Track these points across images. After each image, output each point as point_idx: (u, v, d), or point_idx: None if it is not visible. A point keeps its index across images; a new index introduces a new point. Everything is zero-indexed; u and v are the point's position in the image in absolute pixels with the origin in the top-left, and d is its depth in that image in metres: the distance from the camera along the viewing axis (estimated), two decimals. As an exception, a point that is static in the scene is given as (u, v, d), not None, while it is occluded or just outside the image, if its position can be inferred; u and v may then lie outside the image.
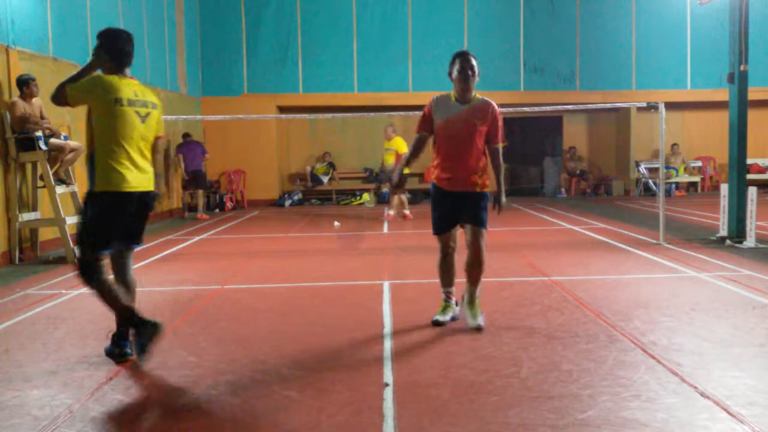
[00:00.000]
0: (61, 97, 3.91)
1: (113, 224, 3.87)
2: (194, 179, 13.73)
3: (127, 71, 4.01)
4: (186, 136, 13.89)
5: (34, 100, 7.99)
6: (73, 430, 3.04)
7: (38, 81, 8.05)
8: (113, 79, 3.90)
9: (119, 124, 3.83)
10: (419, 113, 4.98)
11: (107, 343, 4.06)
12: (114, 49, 3.98)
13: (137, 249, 4.21)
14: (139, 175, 3.90)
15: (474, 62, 4.72)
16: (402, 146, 11.79)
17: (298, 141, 17.37)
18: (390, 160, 11.96)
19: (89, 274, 3.83)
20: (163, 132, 4.17)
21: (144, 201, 3.96)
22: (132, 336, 3.87)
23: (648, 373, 3.57)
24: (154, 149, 4.09)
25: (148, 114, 3.95)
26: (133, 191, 3.86)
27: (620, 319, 4.69)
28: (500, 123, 4.69)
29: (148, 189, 3.98)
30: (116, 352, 3.97)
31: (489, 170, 4.60)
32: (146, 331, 3.81)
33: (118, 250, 4.00)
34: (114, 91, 3.84)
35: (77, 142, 8.66)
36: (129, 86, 3.93)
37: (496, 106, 4.66)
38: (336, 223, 11.64)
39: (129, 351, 3.94)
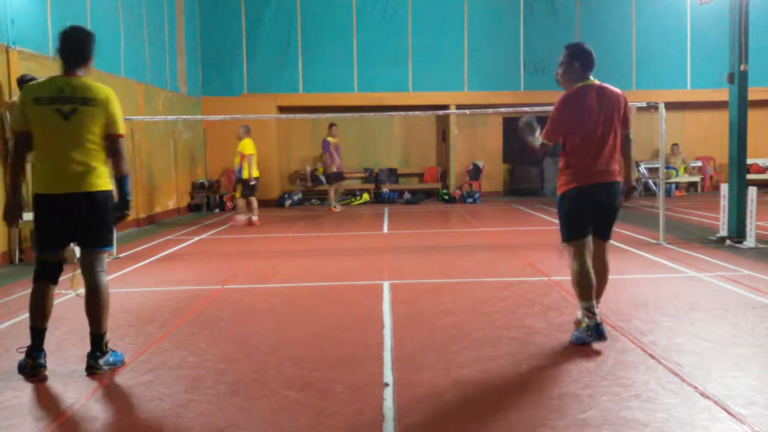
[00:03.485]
0: (13, 139, 3.84)
1: (45, 225, 3.79)
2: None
3: (78, 71, 3.83)
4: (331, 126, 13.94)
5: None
6: (73, 430, 3.04)
7: (38, 81, 8.04)
8: (39, 81, 3.88)
9: (37, 124, 3.72)
10: (419, 113, 4.92)
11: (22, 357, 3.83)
12: (59, 50, 3.89)
13: (102, 251, 3.90)
14: (67, 176, 3.69)
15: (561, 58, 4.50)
16: (249, 148, 11.51)
17: (298, 141, 17.37)
18: (238, 162, 11.59)
19: (35, 272, 3.86)
20: (119, 130, 3.86)
21: (83, 202, 3.74)
22: (25, 352, 3.80)
23: (648, 373, 3.57)
24: (109, 150, 3.84)
25: (73, 110, 3.69)
26: (59, 193, 3.70)
27: (620, 319, 4.69)
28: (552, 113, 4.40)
29: (85, 190, 3.72)
30: (29, 363, 3.75)
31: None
32: (31, 362, 3.72)
33: (82, 251, 3.87)
34: (34, 92, 3.77)
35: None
36: (51, 83, 3.78)
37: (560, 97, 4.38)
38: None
39: (42, 362, 3.78)
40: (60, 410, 3.26)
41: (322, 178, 16.71)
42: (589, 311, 4.08)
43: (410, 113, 12.75)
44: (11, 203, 3.85)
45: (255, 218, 11.70)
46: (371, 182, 17.18)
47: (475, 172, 17.23)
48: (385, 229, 10.86)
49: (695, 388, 3.35)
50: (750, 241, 8.00)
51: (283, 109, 16.44)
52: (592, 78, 4.35)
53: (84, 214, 3.76)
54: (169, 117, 12.56)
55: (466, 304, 5.30)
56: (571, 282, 4.24)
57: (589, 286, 4.12)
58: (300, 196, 16.35)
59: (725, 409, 3.07)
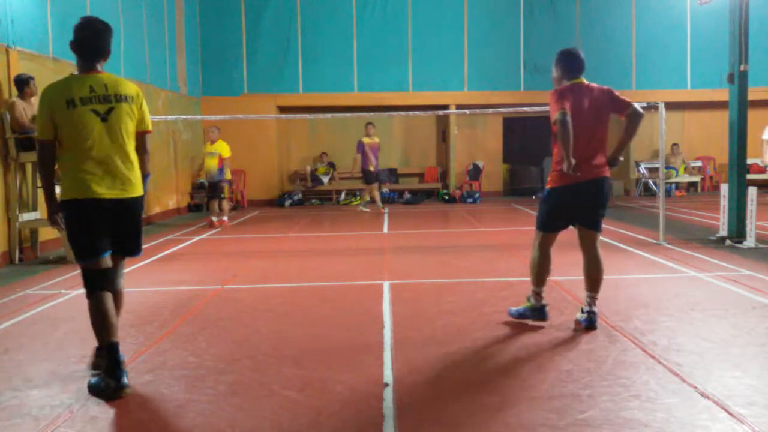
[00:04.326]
0: (40, 147, 3.52)
1: (91, 231, 3.50)
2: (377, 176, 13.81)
3: (99, 66, 3.57)
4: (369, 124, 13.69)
5: (32, 99, 7.99)
6: (73, 430, 3.04)
7: (38, 81, 8.05)
8: (61, 81, 3.53)
9: (71, 129, 3.44)
10: (419, 113, 5.01)
11: (91, 377, 3.58)
12: (77, 44, 3.55)
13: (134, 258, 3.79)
14: (111, 181, 3.49)
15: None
16: (226, 150, 11.58)
17: (298, 141, 17.37)
18: (212, 164, 11.55)
19: (86, 284, 3.57)
20: (149, 126, 3.72)
21: (130, 208, 3.57)
22: (97, 365, 3.58)
23: (648, 373, 3.57)
24: (139, 148, 3.69)
25: (110, 110, 3.48)
26: (106, 198, 3.47)
27: (620, 319, 4.69)
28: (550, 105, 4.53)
29: (131, 195, 3.56)
30: (111, 385, 3.42)
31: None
32: (112, 385, 3.41)
33: (118, 258, 3.67)
34: (62, 95, 3.44)
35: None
36: (79, 82, 3.48)
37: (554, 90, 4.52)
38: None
39: (126, 381, 3.46)
40: (60, 410, 3.26)
41: (323, 179, 16.72)
42: (539, 295, 4.61)
43: (410, 113, 12.75)
44: (54, 209, 3.62)
45: (225, 218, 11.85)
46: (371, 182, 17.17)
47: (475, 172, 17.23)
48: (385, 229, 10.86)
49: (695, 388, 3.35)
50: (750, 241, 8.00)
51: (283, 109, 16.44)
52: (581, 78, 4.55)
53: (127, 220, 3.59)
54: (169, 117, 12.53)
55: (466, 304, 5.30)
56: (529, 266, 4.66)
57: (544, 274, 4.62)
58: (300, 196, 16.35)
59: (725, 409, 3.07)
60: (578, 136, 4.32)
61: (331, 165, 16.89)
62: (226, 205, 12.03)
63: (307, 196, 16.76)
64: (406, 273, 6.77)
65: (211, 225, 11.55)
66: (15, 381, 3.71)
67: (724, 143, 9.05)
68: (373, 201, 14.12)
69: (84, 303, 3.78)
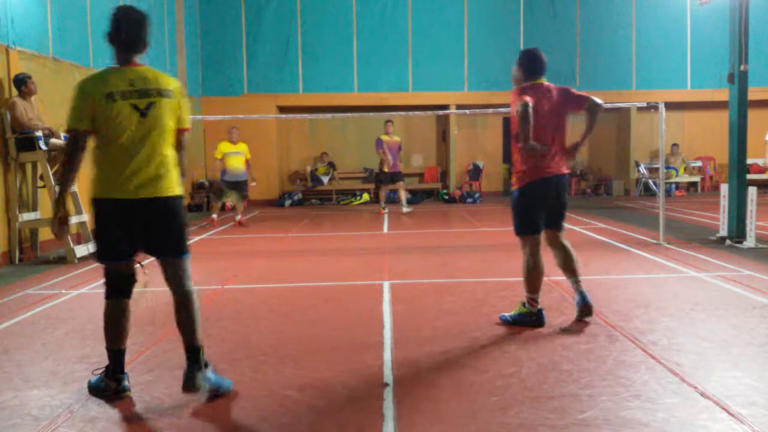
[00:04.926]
0: (70, 138, 3.35)
1: (115, 233, 3.35)
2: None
3: (137, 58, 3.40)
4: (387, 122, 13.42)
5: (32, 98, 8.00)
6: (73, 430, 3.04)
7: (38, 81, 8.05)
8: (98, 73, 3.36)
9: (109, 123, 3.27)
10: (419, 113, 5.06)
11: (92, 377, 3.54)
12: (113, 35, 3.37)
13: (186, 258, 3.48)
14: (146, 180, 3.30)
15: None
16: (247, 150, 11.72)
17: (298, 141, 17.37)
18: (238, 163, 11.58)
19: (105, 286, 3.47)
20: (187, 124, 3.50)
21: (163, 207, 3.36)
22: (105, 373, 3.47)
23: (648, 373, 3.57)
24: (177, 146, 3.47)
25: (150, 104, 3.29)
26: (134, 198, 3.29)
27: (620, 319, 4.69)
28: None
29: (165, 195, 3.34)
30: (112, 386, 3.42)
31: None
32: (113, 387, 3.41)
33: (162, 262, 3.45)
34: (101, 87, 3.28)
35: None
36: (119, 75, 3.32)
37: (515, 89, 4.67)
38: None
39: (127, 384, 3.46)
40: (60, 410, 3.26)
41: (323, 179, 16.72)
42: (534, 301, 4.62)
43: (410, 113, 12.76)
44: (64, 212, 3.41)
45: (215, 216, 11.96)
46: (371, 182, 17.17)
47: (475, 172, 17.24)
48: (385, 229, 10.86)
49: (695, 388, 3.35)
50: (750, 241, 7.99)
51: (283, 109, 16.44)
52: (542, 79, 4.67)
53: (163, 220, 3.36)
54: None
55: (465, 304, 5.30)
56: (523, 273, 4.68)
57: (537, 280, 4.62)
58: (300, 196, 16.36)
59: (725, 409, 3.07)
60: (540, 135, 4.45)
61: (331, 165, 16.89)
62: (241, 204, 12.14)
63: (307, 196, 16.76)
64: (406, 273, 6.77)
65: (240, 224, 11.66)
66: (15, 381, 3.71)
67: (724, 143, 9.05)
68: (379, 201, 13.85)
69: (84, 302, 3.79)
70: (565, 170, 4.67)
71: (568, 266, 4.75)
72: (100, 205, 3.36)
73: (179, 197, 3.42)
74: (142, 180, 3.30)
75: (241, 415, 3.16)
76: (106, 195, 3.33)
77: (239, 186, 11.59)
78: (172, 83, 3.42)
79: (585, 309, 4.64)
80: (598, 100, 4.67)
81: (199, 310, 3.49)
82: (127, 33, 3.36)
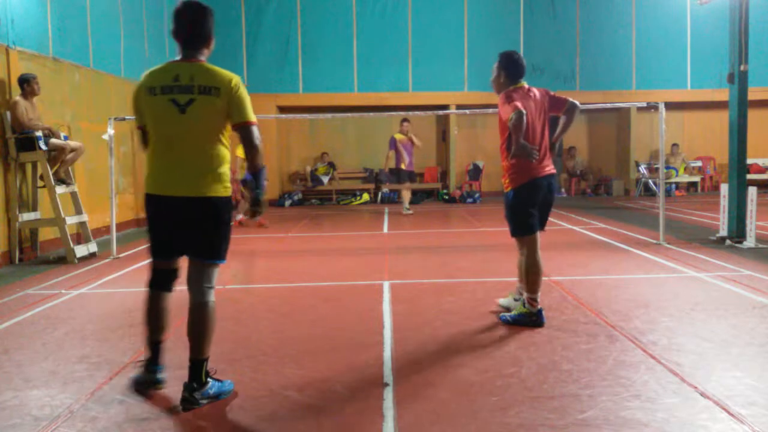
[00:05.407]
0: (139, 136, 3.46)
1: (155, 230, 3.37)
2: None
3: (197, 53, 3.41)
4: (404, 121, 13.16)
5: (34, 99, 8.00)
6: (73, 430, 3.04)
7: (38, 81, 8.04)
8: (155, 67, 3.36)
9: (150, 118, 3.28)
10: (419, 113, 5.09)
11: (136, 371, 3.55)
12: (172, 30, 3.38)
13: (214, 264, 3.39)
14: (182, 178, 3.23)
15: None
16: None
17: (298, 141, 17.37)
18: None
19: (149, 279, 3.50)
20: (248, 117, 3.33)
21: (199, 208, 3.26)
22: (139, 365, 3.55)
23: (648, 373, 3.57)
24: (243, 142, 3.33)
25: (191, 101, 3.21)
26: (172, 195, 3.24)
27: (620, 319, 4.69)
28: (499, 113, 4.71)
29: (202, 195, 3.24)
30: (148, 379, 3.44)
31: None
32: (147, 376, 3.43)
33: (190, 263, 3.36)
34: (147, 81, 3.29)
35: (77, 142, 8.67)
36: (167, 70, 3.30)
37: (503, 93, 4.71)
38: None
39: (161, 377, 3.47)
40: (60, 410, 3.26)
41: (323, 179, 16.72)
42: (534, 301, 4.62)
43: (410, 113, 12.75)
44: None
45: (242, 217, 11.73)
46: (371, 182, 17.18)
47: (475, 172, 17.24)
48: (385, 229, 10.86)
49: (695, 388, 3.35)
50: (750, 241, 8.00)
51: (283, 109, 16.44)
52: (522, 82, 4.73)
53: (199, 221, 3.27)
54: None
55: (466, 304, 5.30)
56: (523, 274, 4.70)
57: (536, 280, 4.63)
58: (300, 196, 16.36)
59: (725, 409, 3.07)
60: (528, 137, 4.52)
61: (331, 165, 16.89)
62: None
63: (307, 196, 16.76)
64: (406, 273, 6.77)
65: (261, 225, 11.47)
66: (15, 381, 3.71)
67: (724, 143, 9.05)
68: (402, 201, 13.57)
69: (84, 302, 3.79)
70: (554, 170, 4.75)
71: (531, 277, 4.69)
72: (146, 201, 3.36)
73: (221, 199, 3.29)
74: (181, 177, 3.23)
75: (241, 415, 3.17)
76: (150, 191, 3.32)
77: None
78: (223, 81, 3.29)
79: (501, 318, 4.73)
80: (576, 102, 4.76)
81: (213, 324, 3.37)
82: (182, 28, 3.33)
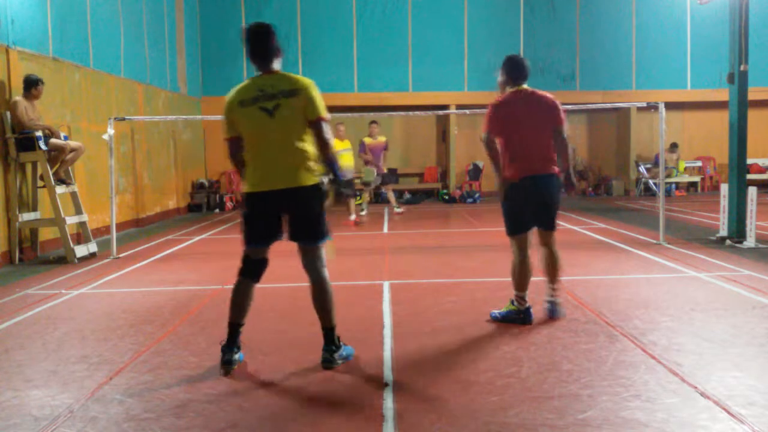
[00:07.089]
0: (230, 153, 3.87)
1: (252, 221, 3.85)
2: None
3: (271, 65, 3.82)
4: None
5: (35, 102, 8.00)
6: (73, 430, 3.04)
7: (37, 81, 8.05)
8: (241, 84, 3.84)
9: (245, 126, 3.75)
10: (419, 113, 5.14)
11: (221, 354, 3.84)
12: (249, 52, 3.84)
13: (321, 245, 3.90)
14: (278, 173, 3.73)
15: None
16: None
17: (298, 141, 17.36)
18: (349, 160, 11.49)
19: (241, 267, 3.91)
20: (321, 113, 3.77)
21: (295, 197, 3.76)
22: (225, 345, 3.83)
23: (648, 373, 3.57)
24: (316, 136, 3.79)
25: (277, 106, 3.69)
26: (270, 190, 3.74)
27: (620, 319, 4.69)
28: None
29: (297, 185, 3.73)
30: (224, 358, 3.80)
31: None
32: (226, 356, 3.78)
33: (300, 247, 3.89)
34: (237, 96, 3.77)
35: (77, 142, 8.67)
36: (252, 84, 3.79)
37: (491, 103, 4.85)
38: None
39: (235, 358, 3.82)
40: (60, 410, 3.26)
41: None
42: (522, 299, 4.68)
43: (410, 113, 12.74)
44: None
45: (352, 217, 11.66)
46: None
47: (475, 172, 17.24)
48: (385, 230, 10.86)
49: (695, 388, 3.35)
50: (750, 241, 8.00)
51: (283, 109, 16.43)
52: (524, 85, 4.77)
53: (297, 209, 3.80)
54: (169, 117, 12.54)
55: (466, 304, 5.30)
56: (511, 272, 4.74)
57: (525, 278, 4.68)
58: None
59: (725, 409, 3.07)
60: (524, 137, 4.62)
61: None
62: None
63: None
64: (406, 273, 6.77)
65: (356, 223, 11.48)
66: (15, 381, 3.71)
67: (724, 143, 9.05)
68: (360, 206, 13.88)
69: (84, 302, 3.80)
70: (554, 170, 4.70)
71: (549, 270, 4.83)
72: (246, 199, 3.84)
73: (314, 186, 3.78)
74: (277, 172, 3.74)
75: (241, 415, 3.16)
76: (250, 189, 3.80)
77: (350, 184, 11.41)
78: (299, 83, 3.76)
79: (552, 318, 4.76)
80: (564, 135, 4.74)
81: (332, 294, 3.88)
82: (255, 48, 3.81)
